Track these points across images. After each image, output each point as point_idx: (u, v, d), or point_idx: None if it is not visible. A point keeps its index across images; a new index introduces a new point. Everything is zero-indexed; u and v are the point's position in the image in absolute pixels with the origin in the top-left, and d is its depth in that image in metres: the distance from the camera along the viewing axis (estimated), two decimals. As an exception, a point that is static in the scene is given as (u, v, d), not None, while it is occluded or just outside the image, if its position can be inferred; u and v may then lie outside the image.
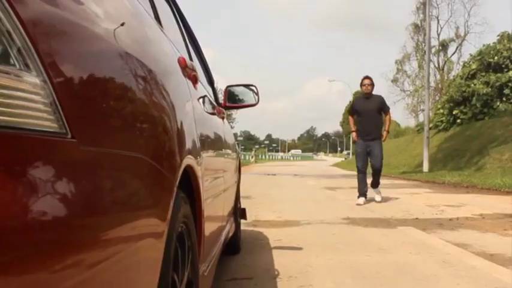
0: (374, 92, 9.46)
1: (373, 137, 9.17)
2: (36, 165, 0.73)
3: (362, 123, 9.29)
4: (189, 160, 1.57)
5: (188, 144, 1.61)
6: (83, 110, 0.89)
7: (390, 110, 9.53)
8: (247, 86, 3.99)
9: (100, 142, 0.93)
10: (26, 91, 0.74)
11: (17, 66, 0.74)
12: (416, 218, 6.92)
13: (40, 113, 0.76)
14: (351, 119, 9.78)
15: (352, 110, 9.64)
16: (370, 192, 9.39)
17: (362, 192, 9.28)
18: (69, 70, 0.86)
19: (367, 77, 9.41)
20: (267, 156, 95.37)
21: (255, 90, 3.94)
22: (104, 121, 0.97)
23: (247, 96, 3.95)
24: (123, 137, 1.05)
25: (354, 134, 9.45)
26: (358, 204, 8.90)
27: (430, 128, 23.53)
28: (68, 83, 0.85)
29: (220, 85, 12.66)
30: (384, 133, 9.35)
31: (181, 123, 1.55)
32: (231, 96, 3.85)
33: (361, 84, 9.38)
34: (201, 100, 2.26)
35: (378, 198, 9.48)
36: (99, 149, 0.92)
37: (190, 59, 2.61)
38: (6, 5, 0.73)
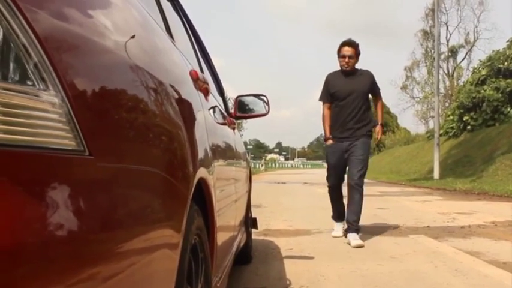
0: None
1: (357, 134, 5.83)
2: (55, 183, 0.75)
3: (340, 113, 5.91)
4: (202, 172, 1.59)
5: (201, 157, 1.63)
6: (99, 126, 0.90)
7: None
8: (257, 95, 4.00)
9: (116, 158, 0.95)
10: (45, 110, 0.76)
11: (36, 85, 0.76)
12: (428, 226, 6.90)
13: (58, 132, 0.78)
14: (326, 112, 6.08)
15: (326, 94, 6.07)
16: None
17: (338, 214, 6.23)
18: (85, 87, 0.88)
19: (347, 43, 5.94)
20: (277, 165, 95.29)
21: (265, 100, 3.95)
22: (119, 137, 0.98)
23: (258, 106, 3.96)
24: (138, 152, 1.06)
25: (329, 141, 6.05)
26: (335, 237, 6.04)
27: (440, 135, 23.45)
28: (84, 100, 0.86)
29: (229, 94, 12.69)
30: (378, 128, 6.05)
31: (194, 136, 1.57)
32: (241, 106, 3.86)
33: (339, 55, 5.96)
34: (212, 111, 2.27)
35: (353, 243, 5.40)
36: (115, 164, 0.94)
37: (201, 70, 2.63)
38: (23, 20, 0.75)
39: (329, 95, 6.01)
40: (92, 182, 0.85)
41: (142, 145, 1.09)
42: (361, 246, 5.31)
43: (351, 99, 5.87)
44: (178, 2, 2.75)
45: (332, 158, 6.00)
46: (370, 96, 6.15)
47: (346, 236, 5.74)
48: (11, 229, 0.67)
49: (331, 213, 6.34)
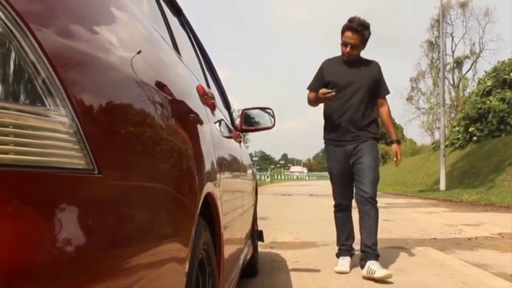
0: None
1: (361, 135, 4.61)
2: (66, 202, 0.76)
3: (338, 109, 4.65)
4: (209, 187, 1.59)
5: (208, 172, 1.63)
6: (108, 144, 0.91)
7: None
8: (263, 109, 4.02)
9: (125, 175, 0.96)
10: (55, 130, 0.77)
11: (46, 105, 0.77)
12: (435, 238, 6.87)
13: (69, 152, 0.80)
14: (311, 95, 4.77)
15: (317, 82, 4.79)
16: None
17: (345, 244, 4.82)
18: (94, 105, 0.89)
19: (351, 28, 4.56)
20: (283, 176, 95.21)
21: (271, 113, 3.97)
22: (128, 154, 0.99)
23: (264, 119, 3.97)
24: (147, 169, 1.07)
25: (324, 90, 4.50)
26: (340, 272, 4.58)
27: (446, 146, 23.40)
28: (93, 118, 0.87)
29: (235, 105, 12.70)
30: (394, 146, 4.87)
31: (201, 151, 1.58)
32: (247, 119, 3.87)
33: (341, 39, 4.67)
34: (218, 125, 2.29)
35: (378, 272, 4.21)
36: (124, 182, 0.95)
37: (208, 84, 2.65)
38: (32, 38, 0.76)
39: (322, 84, 4.65)
40: (101, 199, 0.86)
41: (150, 161, 1.10)
42: (389, 277, 4.13)
43: (350, 91, 4.61)
44: (185, 17, 2.78)
45: (334, 166, 4.73)
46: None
47: (363, 267, 4.41)
48: (24, 248, 0.68)
49: (335, 243, 4.94)
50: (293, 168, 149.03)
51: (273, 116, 3.96)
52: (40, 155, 0.74)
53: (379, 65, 4.83)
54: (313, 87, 4.75)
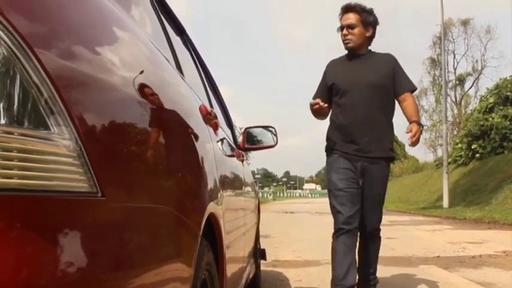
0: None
1: (372, 150, 3.74)
2: (70, 225, 0.77)
3: (343, 117, 3.80)
4: (211, 208, 1.59)
5: (210, 192, 1.64)
6: (111, 166, 0.92)
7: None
8: (265, 127, 4.02)
9: (128, 197, 0.96)
10: (60, 154, 0.78)
11: (50, 128, 0.77)
12: (438, 256, 6.84)
13: (73, 175, 0.80)
14: (317, 103, 3.72)
15: (321, 89, 3.99)
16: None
17: (343, 285, 3.61)
18: (97, 127, 0.89)
19: (346, 7, 3.85)
20: (285, 194, 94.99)
21: (274, 132, 3.97)
22: (130, 176, 1.00)
23: (266, 138, 3.97)
24: (149, 190, 1.07)
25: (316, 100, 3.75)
26: None
27: (448, 163, 23.36)
28: (96, 141, 0.88)
29: (237, 123, 12.70)
30: (412, 126, 3.74)
31: (204, 172, 1.58)
32: (249, 138, 3.88)
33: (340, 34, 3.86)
34: (221, 144, 2.29)
35: None
36: (127, 204, 0.95)
37: (210, 104, 2.66)
38: (35, 60, 0.77)
39: (327, 90, 3.89)
40: (104, 222, 0.87)
41: (153, 183, 1.11)
42: None
43: (356, 93, 3.73)
44: (188, 36, 2.79)
45: (338, 179, 3.69)
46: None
47: None
48: (28, 272, 0.68)
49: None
50: (306, 186, 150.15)
51: (276, 135, 3.97)
52: (44, 179, 0.75)
53: (395, 57, 3.92)
54: (318, 95, 3.91)
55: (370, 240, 3.88)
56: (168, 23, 2.27)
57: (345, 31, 3.77)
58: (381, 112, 3.77)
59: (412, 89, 3.92)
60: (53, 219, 0.74)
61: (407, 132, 3.75)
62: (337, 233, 3.64)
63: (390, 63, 3.87)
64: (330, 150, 3.85)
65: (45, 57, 0.79)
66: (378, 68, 3.81)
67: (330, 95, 3.87)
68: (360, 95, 3.72)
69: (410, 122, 3.78)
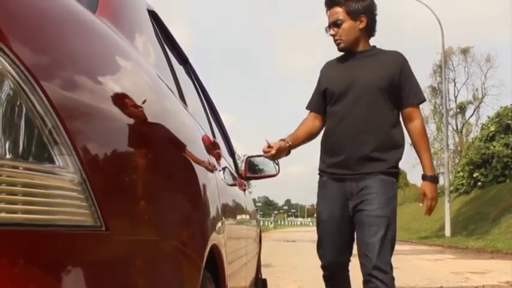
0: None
1: (366, 168, 2.97)
2: (73, 259, 0.76)
3: (336, 125, 3.10)
4: (214, 239, 1.58)
5: (213, 223, 1.63)
6: (114, 199, 0.91)
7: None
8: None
9: (131, 231, 0.95)
10: (65, 188, 0.78)
11: (55, 162, 0.77)
12: (441, 287, 6.77)
13: (77, 209, 0.79)
14: (307, 118, 3.33)
15: (315, 97, 3.30)
16: None
17: None
18: (100, 158, 0.89)
19: (331, 0, 3.10)
20: (287, 222, 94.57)
21: (276, 161, 3.96)
22: (134, 208, 0.99)
23: (268, 167, 3.96)
24: (153, 223, 1.07)
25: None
26: None
27: (450, 191, 23.30)
28: (101, 174, 0.88)
29: (239, 151, 12.69)
30: (426, 185, 3.07)
31: (207, 204, 1.57)
32: (251, 167, 3.87)
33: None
34: (223, 174, 2.28)
35: None
36: (131, 237, 0.94)
37: (213, 133, 2.66)
38: (41, 93, 0.76)
39: (321, 97, 3.21)
40: (108, 255, 0.86)
41: (156, 215, 1.10)
42: None
43: (351, 98, 3.03)
44: (191, 66, 2.80)
45: (324, 209, 3.11)
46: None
47: None
48: None
49: None
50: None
51: (277, 164, 3.95)
52: (48, 213, 0.74)
53: (404, 56, 3.13)
54: (312, 104, 3.30)
55: (376, 284, 2.78)
56: (172, 52, 2.28)
57: (331, 31, 3.08)
58: (382, 119, 3.01)
59: (420, 100, 3.15)
60: (56, 254, 0.74)
61: (420, 198, 3.08)
62: (324, 273, 3.24)
63: (398, 62, 3.07)
64: (319, 171, 3.19)
65: (50, 88, 0.78)
66: (380, 67, 3.05)
67: (324, 100, 3.19)
68: (354, 102, 3.01)
69: (424, 178, 3.08)
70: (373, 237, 2.82)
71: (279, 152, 3.16)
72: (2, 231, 0.68)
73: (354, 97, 3.01)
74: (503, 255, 12.40)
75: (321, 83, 3.22)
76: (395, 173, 3.03)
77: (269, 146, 3.14)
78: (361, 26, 3.04)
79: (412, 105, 3.09)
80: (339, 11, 3.03)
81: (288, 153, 3.26)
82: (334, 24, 3.05)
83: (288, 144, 3.19)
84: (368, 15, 3.05)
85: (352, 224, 2.99)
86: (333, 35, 3.08)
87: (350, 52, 3.11)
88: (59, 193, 0.77)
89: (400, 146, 3.08)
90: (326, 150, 3.15)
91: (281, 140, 3.18)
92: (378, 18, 3.15)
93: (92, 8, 1.25)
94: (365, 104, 2.99)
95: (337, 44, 3.10)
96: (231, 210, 2.33)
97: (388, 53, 3.14)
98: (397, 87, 3.02)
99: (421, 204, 3.09)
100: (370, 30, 3.10)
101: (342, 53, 3.17)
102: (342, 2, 3.02)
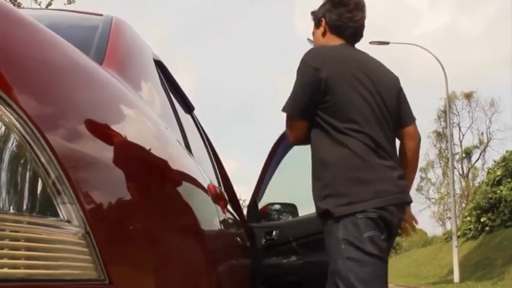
0: None
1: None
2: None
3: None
4: None
5: (217, 275, 1.60)
6: (118, 252, 0.90)
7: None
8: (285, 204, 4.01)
9: (135, 284, 0.94)
10: (67, 242, 0.77)
11: (59, 215, 0.76)
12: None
13: (81, 263, 0.78)
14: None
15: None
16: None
17: None
18: (104, 210, 0.88)
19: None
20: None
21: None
22: (138, 260, 0.98)
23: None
24: (156, 276, 1.05)
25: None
26: None
27: (458, 236, 23.06)
28: (105, 227, 0.87)
29: (243, 196, 12.64)
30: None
31: (212, 254, 1.55)
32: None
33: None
34: (229, 226, 2.26)
35: None
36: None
37: (219, 182, 2.65)
38: (45, 144, 0.76)
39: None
40: None
41: (160, 268, 1.08)
42: None
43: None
44: (195, 116, 2.81)
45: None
46: None
47: None
48: None
49: None
50: None
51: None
52: (51, 268, 0.73)
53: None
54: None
55: None
56: (177, 100, 2.29)
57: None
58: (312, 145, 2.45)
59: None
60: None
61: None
62: None
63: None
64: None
65: (54, 139, 0.78)
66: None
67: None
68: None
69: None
70: None
71: None
72: (4, 287, 0.67)
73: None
74: (514, 302, 12.18)
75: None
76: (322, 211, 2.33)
77: None
78: (321, 30, 2.65)
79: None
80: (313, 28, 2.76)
81: None
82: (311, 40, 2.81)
83: None
84: (324, 16, 2.64)
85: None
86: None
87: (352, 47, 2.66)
88: (63, 247, 0.76)
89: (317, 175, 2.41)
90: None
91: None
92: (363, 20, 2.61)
93: (99, 59, 1.26)
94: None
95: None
96: (235, 263, 2.31)
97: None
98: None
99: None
100: (336, 31, 2.61)
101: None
102: (311, 16, 2.74)
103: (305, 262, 3.03)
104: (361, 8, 2.59)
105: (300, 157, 2.81)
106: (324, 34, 2.63)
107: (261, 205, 3.56)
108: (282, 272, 3.16)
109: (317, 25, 2.67)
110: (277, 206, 3.93)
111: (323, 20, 2.62)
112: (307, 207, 2.91)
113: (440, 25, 63.89)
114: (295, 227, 3.29)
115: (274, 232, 3.23)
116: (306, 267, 2.99)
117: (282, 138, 3.20)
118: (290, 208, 3.88)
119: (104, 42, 1.39)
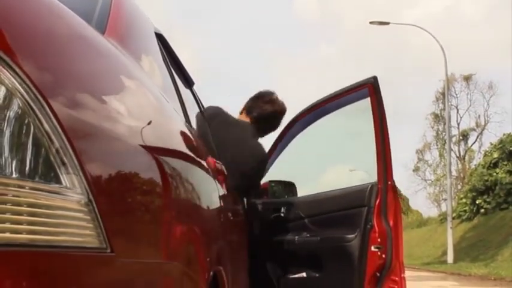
0: None
1: None
2: (77, 282, 0.75)
3: None
4: (217, 263, 1.57)
5: (217, 247, 1.61)
6: (120, 221, 0.90)
7: None
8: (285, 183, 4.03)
9: (136, 253, 0.94)
10: (71, 209, 0.76)
11: (62, 182, 0.76)
12: (444, 314, 6.71)
13: (83, 230, 0.78)
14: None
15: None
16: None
17: None
18: (107, 180, 0.88)
19: None
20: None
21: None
22: (139, 230, 0.98)
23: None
24: (158, 246, 1.06)
25: None
26: None
27: (453, 218, 23.17)
28: (107, 195, 0.87)
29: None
30: None
31: (212, 227, 1.56)
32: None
33: None
34: (228, 200, 2.26)
35: None
36: (135, 259, 0.93)
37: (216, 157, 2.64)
38: (48, 110, 0.75)
39: None
40: (113, 278, 0.85)
41: (161, 238, 1.09)
42: None
43: None
44: (194, 91, 2.80)
45: None
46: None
47: None
48: None
49: None
50: None
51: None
52: (53, 234, 0.73)
53: None
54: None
55: None
56: (177, 74, 2.28)
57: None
58: None
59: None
60: (60, 275, 0.73)
61: None
62: None
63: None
64: None
65: (58, 107, 0.77)
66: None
67: None
68: None
69: None
70: None
71: None
72: (5, 251, 0.66)
73: None
74: (507, 283, 12.28)
75: None
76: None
77: None
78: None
79: None
80: None
81: None
82: None
83: None
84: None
85: None
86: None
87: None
88: (65, 214, 0.76)
89: None
90: None
91: None
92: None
93: (101, 29, 1.25)
94: None
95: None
96: (235, 235, 2.31)
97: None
98: None
99: None
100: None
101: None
102: None
103: (319, 238, 3.08)
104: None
105: (305, 144, 3.43)
106: None
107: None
108: (293, 247, 3.18)
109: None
110: (277, 183, 3.95)
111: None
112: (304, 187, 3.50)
113: (442, 7, 63.45)
114: (308, 203, 3.40)
115: (282, 208, 3.32)
116: (319, 243, 3.05)
117: (292, 123, 3.49)
118: (289, 186, 3.90)
119: (106, 12, 1.38)
